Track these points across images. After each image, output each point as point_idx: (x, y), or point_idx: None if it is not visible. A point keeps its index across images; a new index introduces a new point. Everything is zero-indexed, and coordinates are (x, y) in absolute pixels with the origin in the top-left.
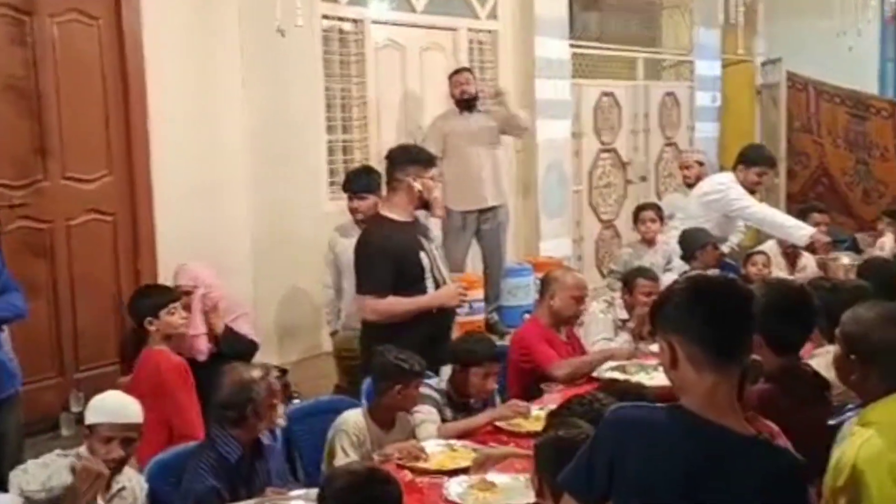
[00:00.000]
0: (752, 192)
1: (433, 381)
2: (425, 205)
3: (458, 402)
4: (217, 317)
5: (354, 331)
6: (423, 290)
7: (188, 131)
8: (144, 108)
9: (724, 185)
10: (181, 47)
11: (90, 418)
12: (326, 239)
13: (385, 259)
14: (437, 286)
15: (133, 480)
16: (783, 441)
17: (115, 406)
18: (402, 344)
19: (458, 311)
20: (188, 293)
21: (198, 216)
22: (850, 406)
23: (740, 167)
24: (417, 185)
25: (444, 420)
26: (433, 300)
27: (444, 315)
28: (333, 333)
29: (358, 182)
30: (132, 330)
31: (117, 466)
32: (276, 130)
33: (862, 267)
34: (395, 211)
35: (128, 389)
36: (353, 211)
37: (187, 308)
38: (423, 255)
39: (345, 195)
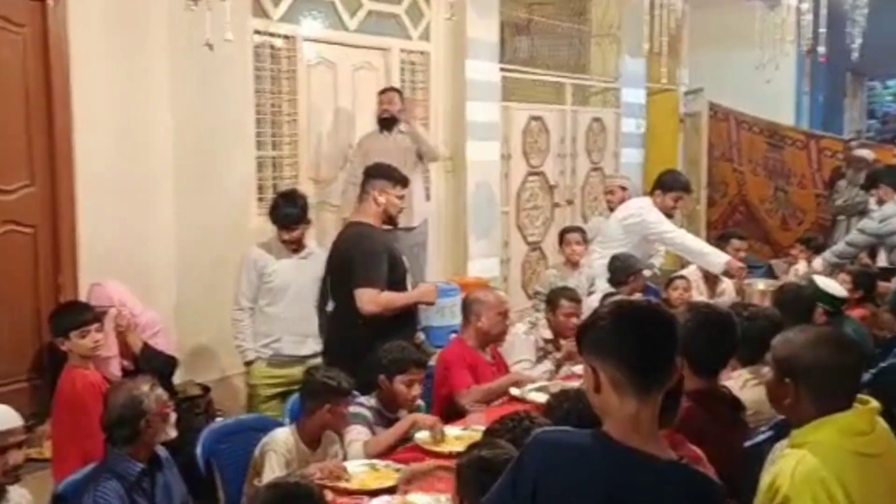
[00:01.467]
0: (668, 216)
1: (364, 399)
2: (390, 219)
3: (389, 417)
4: (134, 335)
5: (284, 358)
6: (405, 289)
7: (114, 144)
8: (69, 119)
9: (643, 209)
10: (109, 58)
11: None
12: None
13: (383, 256)
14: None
15: (24, 500)
16: (707, 467)
17: None
18: (400, 338)
19: None
20: (102, 313)
21: (122, 230)
22: (763, 428)
23: (657, 192)
24: (381, 199)
25: None
26: (420, 295)
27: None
28: (250, 363)
29: (288, 214)
30: (48, 345)
31: (16, 475)
32: (205, 145)
33: (776, 292)
34: (369, 219)
35: (53, 407)
36: (286, 242)
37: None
38: (404, 258)
39: None
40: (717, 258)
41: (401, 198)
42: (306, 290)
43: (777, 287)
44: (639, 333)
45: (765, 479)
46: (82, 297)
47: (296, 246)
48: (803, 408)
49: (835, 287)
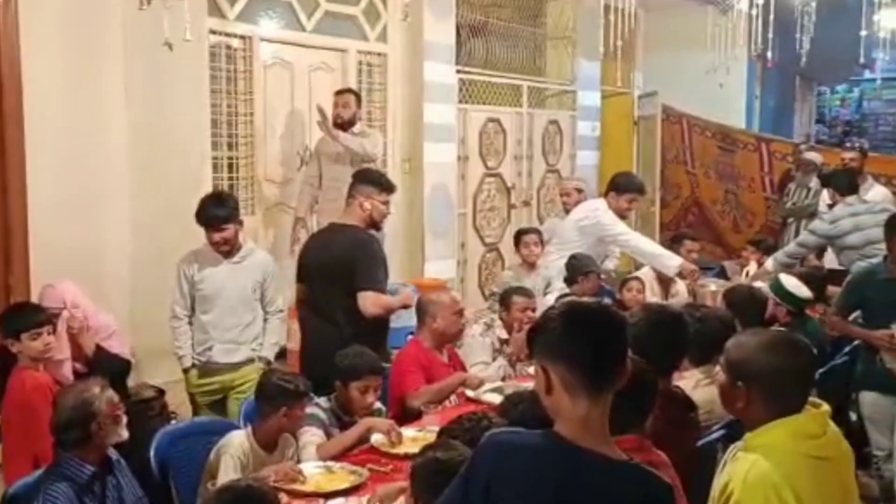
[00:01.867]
0: (623, 217)
1: (322, 401)
2: (373, 224)
3: (346, 420)
4: (87, 337)
5: (216, 365)
6: (384, 292)
7: (67, 143)
8: (20, 119)
9: (598, 211)
10: (62, 58)
11: None
12: None
13: (382, 260)
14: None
15: None
16: (671, 472)
17: None
18: (376, 339)
19: None
20: (55, 315)
21: (75, 231)
22: (715, 428)
23: (612, 194)
24: (367, 205)
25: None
26: (403, 300)
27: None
28: (188, 370)
29: (217, 214)
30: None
31: None
32: (160, 145)
33: (727, 293)
34: (356, 223)
35: (3, 409)
36: (216, 244)
37: (53, 332)
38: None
39: None
40: (670, 260)
41: (386, 203)
42: (241, 295)
43: (728, 288)
44: (589, 334)
45: (718, 482)
46: (34, 299)
47: (227, 248)
48: (756, 411)
49: (799, 288)
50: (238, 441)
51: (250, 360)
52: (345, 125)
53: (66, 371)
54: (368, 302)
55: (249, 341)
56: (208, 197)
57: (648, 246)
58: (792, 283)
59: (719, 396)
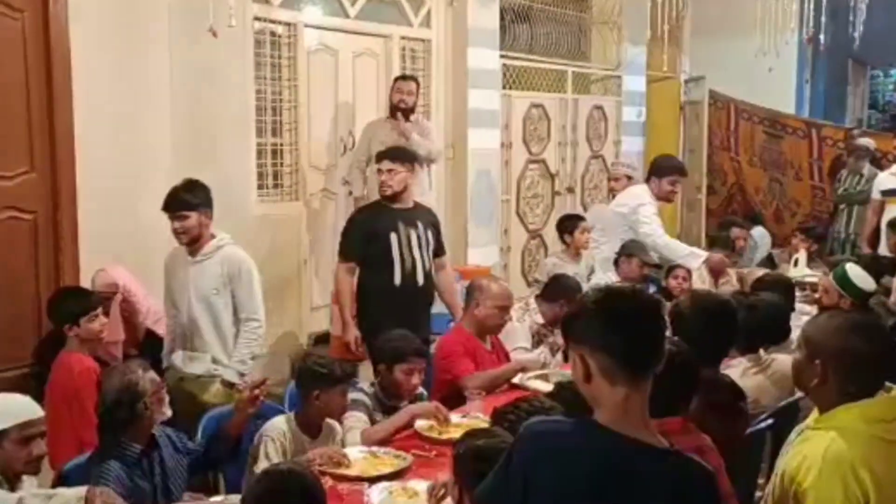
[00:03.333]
0: (668, 201)
1: (365, 385)
2: (383, 195)
3: (389, 405)
4: (139, 320)
5: (183, 373)
6: (390, 265)
7: (114, 130)
8: (70, 105)
9: (637, 202)
10: (109, 44)
11: None
12: (252, 242)
13: (354, 231)
14: (404, 266)
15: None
16: (715, 456)
17: (18, 406)
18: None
19: None
20: (107, 298)
21: (122, 217)
22: (762, 417)
23: (653, 179)
24: (374, 178)
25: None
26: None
27: (416, 299)
28: (167, 369)
29: (176, 199)
30: (50, 332)
31: (38, 465)
32: (205, 131)
33: (756, 281)
34: (378, 197)
35: (47, 393)
36: (175, 232)
37: (106, 314)
38: (393, 235)
39: (273, 197)
40: (695, 260)
41: (380, 172)
42: (200, 297)
43: (758, 277)
44: (623, 317)
45: (785, 462)
46: (83, 284)
47: (186, 239)
48: (829, 390)
49: (865, 279)
50: (279, 426)
51: (212, 378)
52: (407, 112)
53: (116, 351)
54: (336, 270)
55: (213, 352)
56: (176, 185)
57: (673, 246)
58: (857, 274)
59: (792, 372)
